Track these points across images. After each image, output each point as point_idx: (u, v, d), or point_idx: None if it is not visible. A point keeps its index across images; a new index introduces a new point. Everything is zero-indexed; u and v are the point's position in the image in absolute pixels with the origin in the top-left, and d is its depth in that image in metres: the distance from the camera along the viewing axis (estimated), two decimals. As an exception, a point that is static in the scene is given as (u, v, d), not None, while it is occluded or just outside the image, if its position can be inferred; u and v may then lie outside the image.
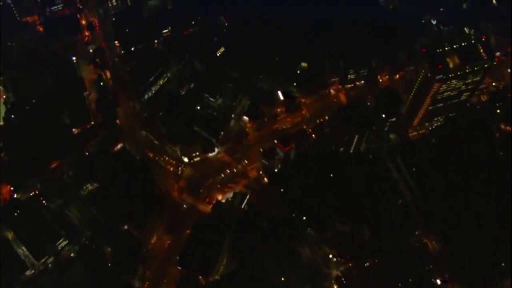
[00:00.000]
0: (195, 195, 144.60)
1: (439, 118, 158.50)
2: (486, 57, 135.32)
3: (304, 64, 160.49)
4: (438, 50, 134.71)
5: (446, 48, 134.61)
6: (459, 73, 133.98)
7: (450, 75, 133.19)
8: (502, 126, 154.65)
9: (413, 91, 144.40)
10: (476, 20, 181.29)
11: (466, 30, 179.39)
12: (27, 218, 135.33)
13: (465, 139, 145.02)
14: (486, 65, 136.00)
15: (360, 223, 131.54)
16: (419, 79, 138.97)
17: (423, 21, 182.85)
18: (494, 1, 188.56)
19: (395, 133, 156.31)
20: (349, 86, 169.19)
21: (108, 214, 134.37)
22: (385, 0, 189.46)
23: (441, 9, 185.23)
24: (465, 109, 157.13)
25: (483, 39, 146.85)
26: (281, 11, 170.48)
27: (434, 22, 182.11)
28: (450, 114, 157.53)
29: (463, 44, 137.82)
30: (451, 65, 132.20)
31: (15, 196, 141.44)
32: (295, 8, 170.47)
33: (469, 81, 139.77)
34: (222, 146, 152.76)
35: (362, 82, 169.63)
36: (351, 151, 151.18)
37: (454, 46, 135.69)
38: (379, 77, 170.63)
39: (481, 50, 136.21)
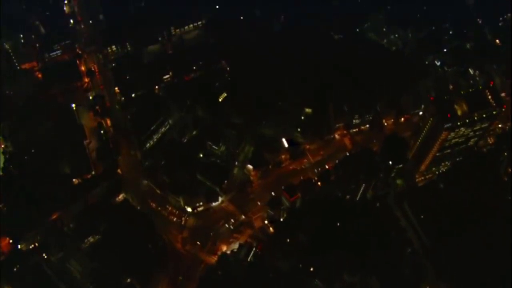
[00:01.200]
0: (199, 246, 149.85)
1: (446, 162, 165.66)
2: (494, 104, 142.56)
3: (308, 110, 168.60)
4: (445, 97, 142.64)
5: (454, 95, 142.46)
6: (467, 120, 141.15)
7: (458, 123, 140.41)
8: (510, 170, 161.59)
9: (420, 138, 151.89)
10: (481, 61, 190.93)
11: (471, 71, 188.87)
12: (27, 272, 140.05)
13: (473, 184, 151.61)
14: (494, 112, 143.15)
15: (369, 274, 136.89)
16: (427, 126, 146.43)
17: (426, 62, 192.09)
18: (497, 41, 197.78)
19: (402, 179, 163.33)
20: (354, 130, 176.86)
21: (110, 267, 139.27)
22: (388, 41, 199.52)
23: (445, 50, 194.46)
24: (472, 153, 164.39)
25: (491, 85, 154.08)
26: (284, 55, 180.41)
27: (438, 63, 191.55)
28: (457, 159, 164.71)
29: (470, 90, 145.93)
30: (459, 112, 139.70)
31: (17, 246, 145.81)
32: (298, 52, 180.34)
33: (478, 127, 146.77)
34: (226, 195, 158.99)
35: (367, 126, 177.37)
36: (357, 199, 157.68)
37: (462, 93, 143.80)
38: (384, 121, 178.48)
39: (489, 97, 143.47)
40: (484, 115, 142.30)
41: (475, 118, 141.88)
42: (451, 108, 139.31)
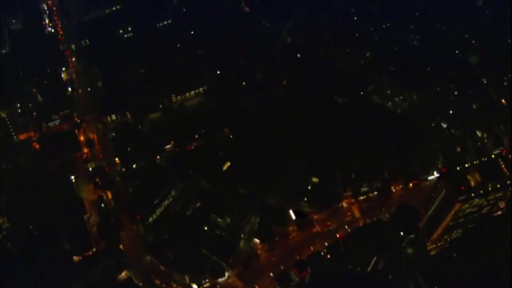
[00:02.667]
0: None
1: (458, 230, 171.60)
2: (508, 173, 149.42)
3: (315, 179, 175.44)
4: (458, 168, 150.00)
5: (466, 165, 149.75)
6: (481, 191, 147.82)
7: (472, 194, 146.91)
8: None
9: (432, 208, 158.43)
10: (488, 122, 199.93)
11: (478, 133, 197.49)
12: None
13: (486, 251, 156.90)
14: (508, 182, 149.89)
15: None
16: (439, 197, 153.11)
17: (433, 125, 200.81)
18: (503, 100, 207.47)
19: (414, 248, 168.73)
20: (362, 198, 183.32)
21: None
22: (393, 103, 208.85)
23: (451, 112, 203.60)
24: (484, 219, 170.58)
25: (503, 153, 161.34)
26: (288, 121, 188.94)
27: (445, 126, 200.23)
28: (469, 226, 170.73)
29: (483, 159, 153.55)
30: (472, 183, 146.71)
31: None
32: (301, 117, 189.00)
33: (492, 197, 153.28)
34: (232, 270, 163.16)
35: (375, 193, 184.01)
36: (368, 270, 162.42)
37: (475, 163, 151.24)
38: (392, 187, 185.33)
39: (502, 166, 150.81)
40: (498, 186, 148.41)
41: (489, 188, 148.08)
42: (464, 179, 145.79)
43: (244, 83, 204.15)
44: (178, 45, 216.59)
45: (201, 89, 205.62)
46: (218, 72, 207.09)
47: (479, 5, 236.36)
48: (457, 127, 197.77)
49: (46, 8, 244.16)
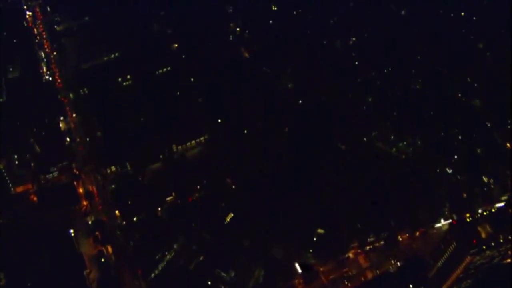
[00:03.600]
0: None
1: (468, 280, 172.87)
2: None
3: (320, 231, 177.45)
4: (468, 219, 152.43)
5: (477, 217, 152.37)
6: (492, 244, 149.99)
7: (484, 247, 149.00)
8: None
9: (441, 260, 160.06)
10: (493, 167, 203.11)
11: (485, 178, 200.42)
12: None
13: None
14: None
15: None
16: (449, 250, 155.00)
17: (438, 170, 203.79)
18: (508, 144, 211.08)
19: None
20: (368, 247, 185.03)
21: None
22: (397, 149, 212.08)
23: (455, 157, 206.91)
24: (494, 269, 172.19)
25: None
26: (291, 171, 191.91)
27: (450, 171, 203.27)
28: (479, 276, 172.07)
29: (493, 210, 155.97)
30: (483, 235, 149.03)
31: None
32: (304, 167, 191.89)
33: (503, 248, 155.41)
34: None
35: (382, 242, 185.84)
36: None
37: (485, 214, 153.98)
38: (399, 236, 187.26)
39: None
40: (510, 237, 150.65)
41: (501, 240, 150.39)
42: (475, 231, 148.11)
43: (245, 131, 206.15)
44: (178, 93, 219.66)
45: (202, 138, 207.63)
46: (219, 120, 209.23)
47: (480, 48, 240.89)
48: (463, 173, 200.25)
49: (43, 55, 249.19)
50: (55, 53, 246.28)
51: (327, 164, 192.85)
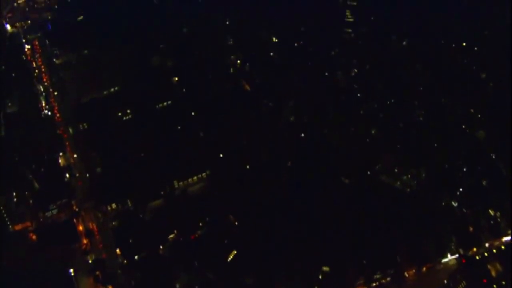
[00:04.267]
0: None
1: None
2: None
3: (326, 268, 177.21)
4: (477, 257, 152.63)
5: (484, 251, 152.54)
6: (503, 282, 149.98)
7: (494, 286, 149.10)
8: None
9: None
10: (499, 199, 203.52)
11: (491, 211, 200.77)
12: None
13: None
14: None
15: None
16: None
17: (443, 204, 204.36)
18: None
19: None
20: (374, 284, 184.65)
21: None
22: (401, 182, 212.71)
23: (461, 189, 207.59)
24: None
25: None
26: (294, 205, 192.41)
27: (456, 205, 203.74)
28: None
29: (502, 247, 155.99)
30: (493, 274, 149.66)
31: None
32: (309, 201, 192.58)
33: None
34: None
35: (388, 279, 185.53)
36: None
37: (494, 251, 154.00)
38: (405, 272, 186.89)
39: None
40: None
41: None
42: (485, 270, 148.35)
43: (247, 167, 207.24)
44: (179, 127, 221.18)
45: (203, 174, 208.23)
46: (221, 155, 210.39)
47: (482, 78, 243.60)
48: (468, 206, 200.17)
49: (42, 89, 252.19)
50: (54, 87, 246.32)
51: (331, 198, 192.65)
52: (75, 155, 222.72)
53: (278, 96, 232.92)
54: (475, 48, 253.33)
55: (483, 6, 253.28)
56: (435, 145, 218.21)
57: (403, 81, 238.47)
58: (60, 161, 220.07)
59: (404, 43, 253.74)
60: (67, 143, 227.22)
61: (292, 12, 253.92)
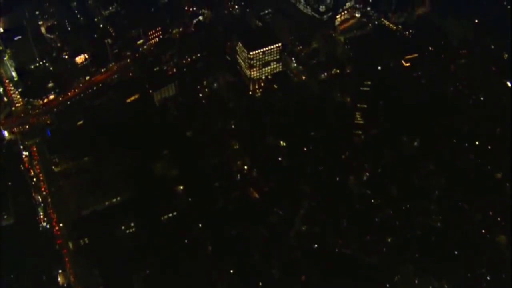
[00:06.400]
0: None
1: None
2: None
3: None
4: None
5: None
6: None
7: None
8: None
9: None
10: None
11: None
12: None
13: None
14: None
15: None
16: None
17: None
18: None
19: None
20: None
21: None
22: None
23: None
24: None
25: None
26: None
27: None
28: None
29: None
30: None
31: None
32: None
33: None
34: None
35: None
36: None
37: None
38: None
39: None
40: None
41: None
42: None
43: (260, 283, 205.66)
44: (186, 241, 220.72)
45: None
46: (231, 271, 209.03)
47: (499, 178, 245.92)
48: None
49: (40, 199, 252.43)
50: (53, 197, 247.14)
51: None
52: (75, 273, 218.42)
53: (288, 204, 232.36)
54: (489, 147, 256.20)
55: (496, 109, 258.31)
56: (455, 252, 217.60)
57: (417, 184, 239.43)
58: (59, 279, 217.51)
59: (416, 143, 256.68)
60: (66, 260, 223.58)
61: (300, 116, 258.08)
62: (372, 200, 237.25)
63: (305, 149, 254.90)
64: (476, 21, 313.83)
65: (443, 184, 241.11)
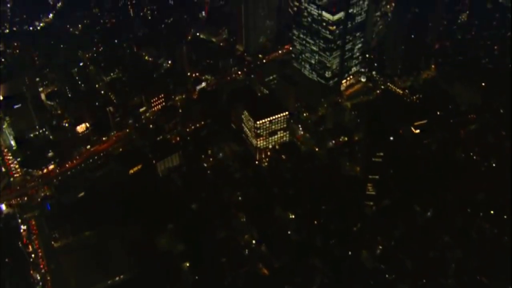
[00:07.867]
0: None
1: None
2: None
3: None
4: None
5: None
6: None
7: None
8: None
9: None
10: None
11: None
12: None
13: None
14: None
15: None
16: None
17: None
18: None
19: None
20: None
21: None
22: None
23: None
24: None
25: None
26: None
27: None
28: None
29: None
30: None
31: None
32: None
33: None
34: None
35: None
36: None
37: None
38: None
39: None
40: None
41: None
42: None
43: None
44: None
45: None
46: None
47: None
48: None
49: (39, 277, 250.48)
50: (52, 275, 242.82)
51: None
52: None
53: (300, 279, 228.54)
54: (504, 216, 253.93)
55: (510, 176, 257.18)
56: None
57: (432, 256, 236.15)
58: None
59: (429, 213, 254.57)
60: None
61: (309, 186, 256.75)
62: (387, 275, 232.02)
63: (315, 221, 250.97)
64: (483, 84, 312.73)
65: (459, 256, 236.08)
